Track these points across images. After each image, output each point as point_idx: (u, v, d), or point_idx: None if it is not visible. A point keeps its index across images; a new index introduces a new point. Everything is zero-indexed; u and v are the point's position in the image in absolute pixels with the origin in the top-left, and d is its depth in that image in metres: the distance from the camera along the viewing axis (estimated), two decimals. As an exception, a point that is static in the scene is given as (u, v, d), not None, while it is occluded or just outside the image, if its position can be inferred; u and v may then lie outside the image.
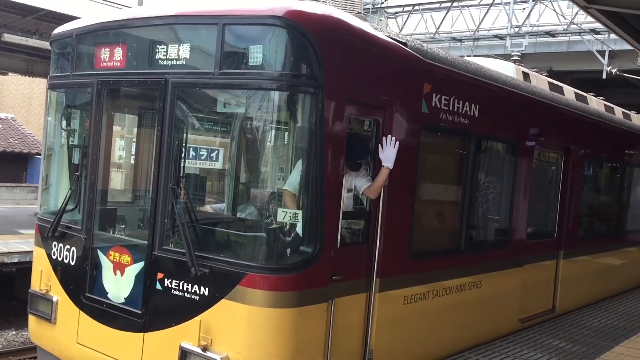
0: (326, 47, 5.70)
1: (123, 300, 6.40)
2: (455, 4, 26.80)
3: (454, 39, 26.59)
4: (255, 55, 5.65)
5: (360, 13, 27.96)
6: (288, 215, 5.72)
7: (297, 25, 5.55)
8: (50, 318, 7.01)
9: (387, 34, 6.68)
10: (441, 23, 27.02)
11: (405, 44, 6.72)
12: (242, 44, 5.81)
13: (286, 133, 6.03)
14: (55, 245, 7.07)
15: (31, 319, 7.39)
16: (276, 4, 5.68)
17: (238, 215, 7.02)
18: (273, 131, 5.99)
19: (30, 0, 16.76)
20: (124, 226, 6.97)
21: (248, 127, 6.55)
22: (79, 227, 6.84)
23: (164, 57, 6.17)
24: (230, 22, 5.79)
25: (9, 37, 17.73)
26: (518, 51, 23.42)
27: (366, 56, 6.23)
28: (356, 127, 6.92)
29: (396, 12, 29.70)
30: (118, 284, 6.45)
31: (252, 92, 5.87)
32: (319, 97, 5.63)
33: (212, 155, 7.41)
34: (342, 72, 5.92)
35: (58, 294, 7.00)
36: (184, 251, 5.80)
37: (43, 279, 7.16)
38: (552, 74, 19.82)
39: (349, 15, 6.28)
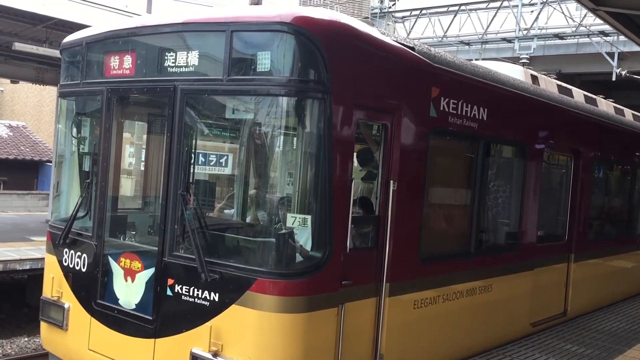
0: (334, 53, 5.72)
1: (134, 307, 6.42)
2: (462, 7, 26.77)
3: (462, 42, 26.56)
4: (263, 61, 5.68)
5: (367, 18, 27.99)
6: (297, 220, 5.74)
7: (304, 31, 5.58)
8: (61, 325, 7.05)
9: (395, 39, 6.69)
10: (449, 27, 27.02)
11: (412, 48, 6.73)
12: (250, 50, 5.84)
13: (295, 138, 6.05)
14: (66, 252, 7.11)
15: (43, 325, 7.43)
16: (283, 10, 5.71)
17: (247, 220, 7.04)
18: (282, 137, 6.00)
19: (40, 9, 16.90)
20: (134, 233, 7.00)
21: (257, 133, 6.56)
22: (90, 234, 6.88)
23: (173, 64, 6.21)
24: (238, 28, 5.82)
25: (19, 46, 17.86)
26: (526, 54, 23.35)
27: (374, 61, 6.25)
28: (364, 132, 6.94)
29: (404, 17, 29.70)
30: (129, 290, 6.48)
31: (261, 98, 5.89)
32: (327, 103, 5.65)
33: (221, 161, 7.44)
34: (349, 77, 5.94)
35: (69, 301, 7.04)
36: (194, 257, 5.83)
37: (54, 285, 7.20)
38: (561, 76, 19.69)
39: (356, 21, 6.30)
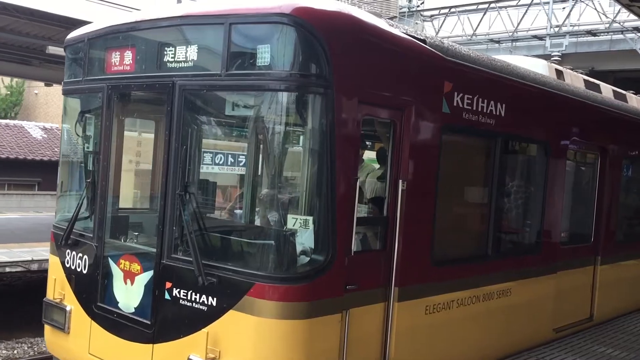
0: (337, 45, 5.44)
1: (133, 310, 6.23)
2: (492, 5, 26.26)
3: (491, 40, 26.05)
4: (263, 55, 5.42)
5: (395, 17, 27.67)
6: (298, 221, 5.46)
7: (305, 23, 5.30)
8: (63, 328, 6.88)
9: (404, 31, 6.38)
10: (478, 25, 26.54)
11: (424, 41, 6.41)
12: (250, 43, 5.59)
13: (295, 135, 5.78)
14: (68, 254, 6.95)
15: (47, 328, 7.27)
16: (284, 1, 5.43)
17: (246, 222, 6.79)
18: (282, 134, 5.72)
19: (72, 13, 17.02)
20: (135, 234, 6.80)
21: (256, 129, 6.32)
22: (91, 235, 6.71)
23: (172, 60, 6.00)
24: (237, 21, 5.57)
25: (53, 50, 18.04)
26: (558, 51, 22.87)
27: (381, 54, 5.94)
28: (378, 129, 6.64)
29: (432, 15, 29.32)
30: (128, 293, 6.29)
31: (260, 93, 5.64)
32: (329, 98, 5.37)
33: (220, 159, 7.20)
34: (354, 71, 5.64)
35: (71, 303, 6.88)
36: (191, 260, 5.59)
37: (57, 287, 7.05)
38: (594, 73, 19.19)
39: (362, 12, 6.01)
